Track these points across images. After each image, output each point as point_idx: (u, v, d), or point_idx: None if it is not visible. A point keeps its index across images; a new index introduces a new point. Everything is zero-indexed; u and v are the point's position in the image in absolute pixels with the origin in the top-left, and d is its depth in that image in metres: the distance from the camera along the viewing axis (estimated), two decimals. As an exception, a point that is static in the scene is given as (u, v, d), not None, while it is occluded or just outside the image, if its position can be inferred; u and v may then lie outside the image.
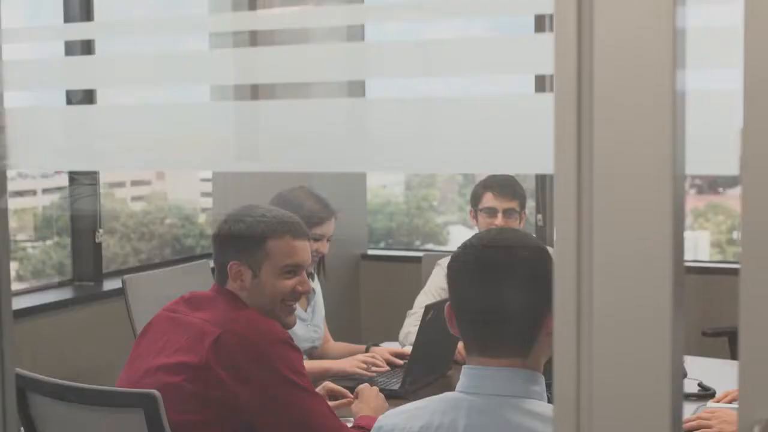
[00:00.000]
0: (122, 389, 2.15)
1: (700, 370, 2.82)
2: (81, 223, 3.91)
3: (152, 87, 1.52)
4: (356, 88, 3.89)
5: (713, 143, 1.17)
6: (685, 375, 2.52)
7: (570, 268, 0.90)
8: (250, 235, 2.34)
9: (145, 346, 2.36)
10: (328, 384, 2.72)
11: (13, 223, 5.36)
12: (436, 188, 6.45)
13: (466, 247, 1.80)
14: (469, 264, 1.76)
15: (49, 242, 4.97)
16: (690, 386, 2.66)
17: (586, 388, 0.90)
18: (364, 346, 3.18)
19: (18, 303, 3.53)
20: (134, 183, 6.85)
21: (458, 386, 1.76)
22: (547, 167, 0.93)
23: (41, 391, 2.24)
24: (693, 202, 5.30)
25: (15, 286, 3.64)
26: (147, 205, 6.28)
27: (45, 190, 6.09)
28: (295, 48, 1.15)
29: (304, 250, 2.38)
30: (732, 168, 0.94)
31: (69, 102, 3.69)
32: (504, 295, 1.74)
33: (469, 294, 1.75)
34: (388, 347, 3.18)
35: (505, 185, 3.40)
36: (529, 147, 1.01)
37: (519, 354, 1.69)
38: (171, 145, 1.45)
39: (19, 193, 5.28)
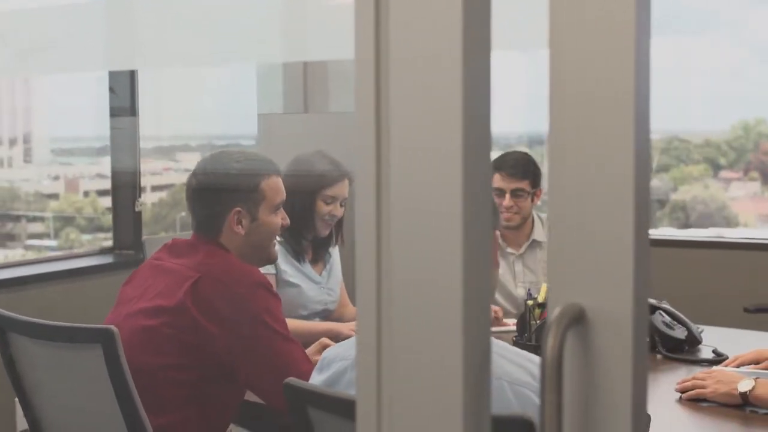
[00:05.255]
0: (81, 325, 2.18)
1: (719, 337, 2.90)
2: (122, 192, 3.98)
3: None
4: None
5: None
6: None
7: (370, 212, 0.91)
8: (245, 179, 2.37)
9: (128, 292, 2.42)
10: (324, 340, 2.71)
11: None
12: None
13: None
14: None
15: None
16: (706, 352, 2.76)
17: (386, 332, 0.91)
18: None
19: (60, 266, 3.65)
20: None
21: None
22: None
23: (17, 330, 2.30)
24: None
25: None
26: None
27: (154, 188, 6.25)
28: None
29: (282, 185, 2.43)
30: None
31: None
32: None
33: None
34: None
35: (515, 165, 3.33)
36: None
37: None
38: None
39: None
